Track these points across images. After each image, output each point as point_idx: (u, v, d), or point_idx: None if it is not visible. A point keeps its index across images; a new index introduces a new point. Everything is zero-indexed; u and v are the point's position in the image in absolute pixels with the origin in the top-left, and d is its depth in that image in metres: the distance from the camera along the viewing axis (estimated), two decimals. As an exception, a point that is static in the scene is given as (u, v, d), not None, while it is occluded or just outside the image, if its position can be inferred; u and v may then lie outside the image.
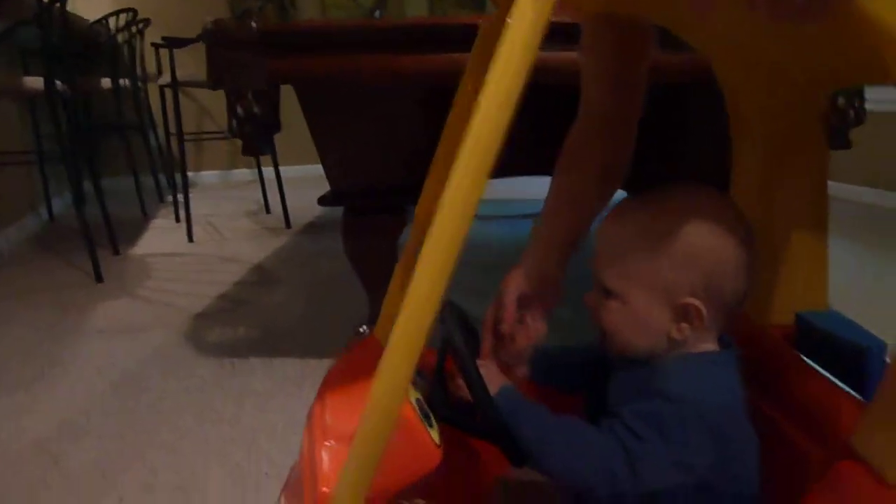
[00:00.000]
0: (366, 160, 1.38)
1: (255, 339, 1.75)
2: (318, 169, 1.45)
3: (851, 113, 1.23)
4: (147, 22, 3.33)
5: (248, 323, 1.86)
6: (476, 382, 0.59)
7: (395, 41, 1.20)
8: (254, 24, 1.13)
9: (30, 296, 2.13)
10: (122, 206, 3.13)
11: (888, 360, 0.64)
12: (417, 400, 0.58)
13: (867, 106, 1.33)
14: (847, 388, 0.64)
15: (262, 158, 3.18)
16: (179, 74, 2.73)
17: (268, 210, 3.22)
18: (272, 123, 1.23)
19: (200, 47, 1.28)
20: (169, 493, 1.12)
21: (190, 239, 2.74)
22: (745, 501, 0.62)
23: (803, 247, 0.75)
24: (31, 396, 1.46)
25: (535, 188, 1.10)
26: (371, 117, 1.34)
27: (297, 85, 1.29)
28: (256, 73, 1.15)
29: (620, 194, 0.75)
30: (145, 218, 3.17)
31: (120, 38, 3.19)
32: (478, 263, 1.42)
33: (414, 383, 0.62)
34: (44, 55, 2.17)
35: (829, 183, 0.75)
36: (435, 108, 0.63)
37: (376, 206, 1.39)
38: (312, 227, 2.93)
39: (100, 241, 2.40)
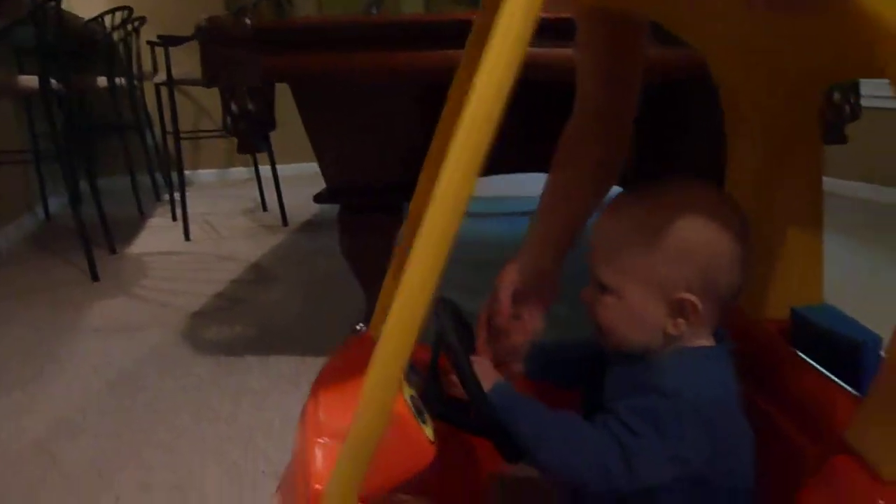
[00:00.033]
0: (362, 157, 1.38)
1: (252, 338, 1.75)
2: (315, 167, 1.45)
3: (847, 108, 1.23)
4: (143, 20, 3.32)
5: (244, 321, 1.86)
6: (469, 379, 0.59)
7: (391, 38, 1.20)
8: (248, 21, 1.13)
9: (26, 295, 2.12)
10: (119, 205, 3.12)
11: (883, 354, 0.64)
12: (412, 397, 0.58)
13: (863, 102, 1.33)
14: (842, 383, 0.64)
15: (259, 156, 3.17)
16: (175, 73, 2.73)
17: (265, 208, 3.22)
18: (267, 121, 1.22)
19: (196, 45, 1.27)
20: (166, 492, 1.11)
21: (187, 237, 2.73)
22: (740, 496, 0.62)
23: (798, 241, 0.75)
24: (28, 396, 1.46)
25: (530, 185, 1.10)
26: (367, 114, 1.34)
27: (292, 82, 1.28)
28: (251, 70, 1.14)
29: (616, 190, 0.75)
30: (142, 217, 3.16)
31: (116, 36, 3.18)
32: (473, 261, 1.42)
33: (408, 380, 0.62)
34: (38, 53, 2.16)
35: (825, 178, 0.75)
36: (431, 104, 0.63)
37: (373, 204, 1.38)
38: (310, 226, 2.93)
39: (96, 240, 2.39)
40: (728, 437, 0.61)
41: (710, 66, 0.76)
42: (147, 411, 1.38)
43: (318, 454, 0.52)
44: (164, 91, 2.89)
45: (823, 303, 0.77)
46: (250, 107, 1.21)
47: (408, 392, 0.58)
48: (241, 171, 4.01)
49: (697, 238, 0.61)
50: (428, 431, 0.57)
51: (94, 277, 2.21)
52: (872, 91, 1.42)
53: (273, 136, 2.91)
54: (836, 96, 1.23)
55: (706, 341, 0.65)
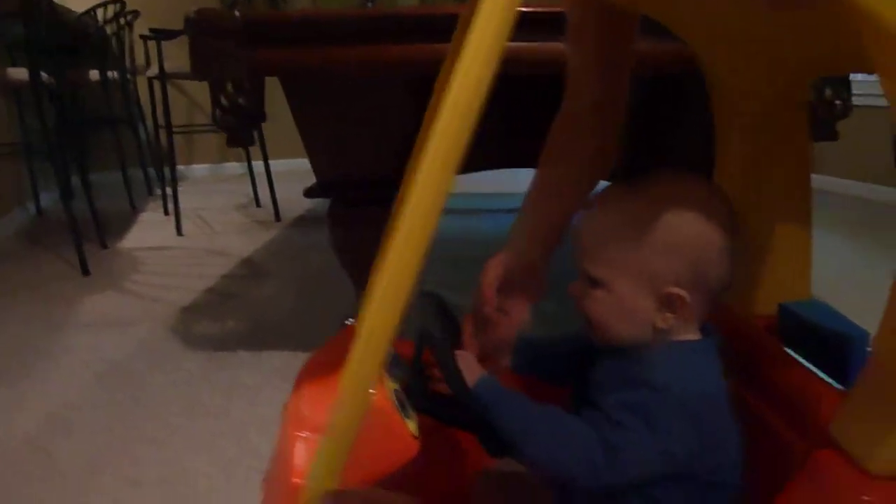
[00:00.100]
0: (353, 151, 1.37)
1: (244, 333, 1.74)
2: (309, 162, 1.44)
3: (838, 104, 1.22)
4: (136, 14, 3.29)
5: (236, 316, 1.85)
6: (453, 373, 0.59)
7: (384, 31, 1.19)
8: (237, 14, 1.12)
9: (17, 290, 2.11)
10: (111, 199, 3.11)
11: (870, 350, 0.63)
12: (395, 391, 0.58)
13: (855, 100, 1.32)
14: (828, 379, 0.64)
15: (252, 152, 3.16)
16: (168, 66, 2.71)
17: (258, 203, 3.21)
18: (256, 114, 1.21)
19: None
20: (157, 488, 1.11)
21: (179, 232, 2.73)
22: (728, 490, 0.62)
23: (786, 236, 0.74)
24: (18, 391, 1.45)
25: (516, 182, 1.10)
26: (359, 108, 1.33)
27: (283, 76, 1.27)
28: (240, 63, 1.14)
29: (602, 185, 0.74)
30: (134, 211, 3.15)
31: (108, 30, 3.16)
32: (458, 258, 1.42)
33: (392, 374, 0.61)
34: (28, 46, 2.15)
35: (817, 176, 0.75)
36: (424, 97, 0.63)
37: (364, 198, 1.38)
38: (302, 221, 2.92)
39: (88, 234, 2.38)
40: (715, 431, 0.60)
41: (699, 58, 0.76)
42: (138, 406, 1.38)
43: (299, 448, 0.52)
44: (156, 85, 2.87)
45: (812, 298, 0.77)
46: (240, 100, 1.20)
47: (391, 386, 0.58)
48: (234, 167, 3.99)
49: (687, 231, 0.61)
50: (411, 426, 0.56)
51: (85, 272, 2.20)
52: (865, 90, 1.41)
53: (266, 131, 2.92)
54: (828, 92, 1.23)
55: (693, 335, 0.64)
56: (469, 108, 0.40)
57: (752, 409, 0.65)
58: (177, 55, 2.73)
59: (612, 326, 0.64)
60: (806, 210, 0.75)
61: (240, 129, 1.23)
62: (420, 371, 0.65)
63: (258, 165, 3.07)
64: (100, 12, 3.10)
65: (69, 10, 3.04)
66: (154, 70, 2.81)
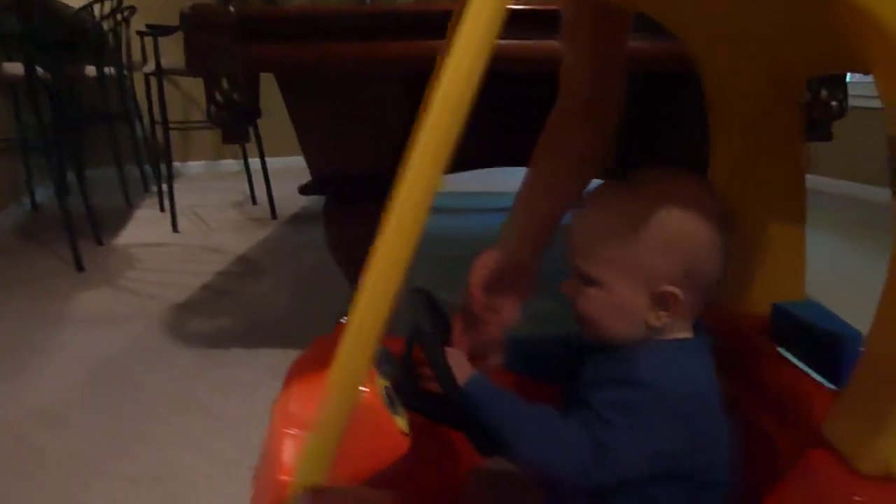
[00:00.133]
0: (348, 148, 1.37)
1: (239, 330, 1.74)
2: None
3: (834, 105, 1.22)
4: (133, 9, 3.28)
5: (231, 313, 1.85)
6: (443, 371, 0.59)
7: (381, 28, 1.18)
8: (232, 9, 1.11)
9: (11, 286, 2.10)
10: (107, 195, 3.11)
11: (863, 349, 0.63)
12: (385, 388, 0.57)
13: (852, 102, 1.32)
14: (820, 378, 0.64)
15: (248, 149, 3.15)
16: (164, 62, 2.70)
17: (254, 201, 3.20)
18: (251, 111, 1.21)
19: (185, 35, 1.25)
20: (149, 484, 1.11)
21: (175, 229, 2.72)
22: (718, 489, 0.62)
23: (781, 236, 0.74)
24: (12, 387, 1.45)
25: (513, 181, 1.10)
26: (354, 104, 1.33)
27: (277, 72, 1.27)
28: (235, 59, 1.13)
29: (594, 183, 0.74)
30: (130, 208, 3.14)
31: (105, 25, 3.15)
32: (449, 257, 1.41)
33: (383, 371, 0.61)
34: (24, 41, 2.14)
35: (815, 177, 0.75)
36: (420, 95, 0.62)
37: (359, 195, 1.37)
38: (298, 219, 2.92)
39: (83, 230, 2.37)
40: (707, 430, 0.60)
41: (695, 57, 0.75)
42: (131, 403, 1.37)
43: (287, 445, 0.52)
44: (153, 81, 2.86)
45: (806, 298, 0.77)
46: (235, 96, 1.19)
47: (381, 383, 0.57)
48: (230, 164, 3.99)
49: (681, 228, 0.61)
50: (401, 423, 0.56)
51: (80, 268, 2.19)
52: (860, 91, 1.42)
53: (263, 128, 2.92)
54: (824, 92, 1.23)
55: (686, 333, 0.64)
56: (459, 103, 0.40)
57: (743, 408, 0.65)
58: (173, 51, 2.72)
59: (605, 324, 0.64)
60: (800, 210, 0.74)
61: (235, 126, 1.23)
62: (410, 368, 0.64)
63: (255, 163, 3.06)
64: (97, 8, 3.09)
65: (66, 6, 3.03)
66: (151, 66, 2.80)
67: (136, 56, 3.43)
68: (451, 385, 0.59)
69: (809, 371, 0.66)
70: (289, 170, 3.00)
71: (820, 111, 1.22)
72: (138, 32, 3.05)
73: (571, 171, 0.76)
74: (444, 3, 1.17)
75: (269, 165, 3.00)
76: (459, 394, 0.59)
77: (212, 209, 3.13)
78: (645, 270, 0.61)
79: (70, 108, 2.95)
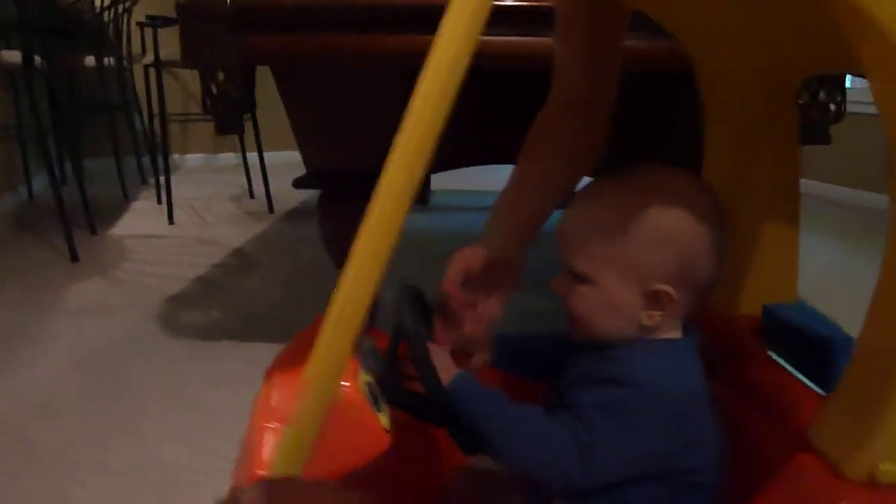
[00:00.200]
0: (344, 142, 1.36)
1: (231, 323, 1.73)
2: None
3: (832, 108, 1.22)
4: (134, 0, 3.27)
5: (224, 307, 1.84)
6: (427, 370, 0.58)
7: (380, 21, 1.17)
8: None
9: (5, 275, 2.09)
10: (105, 186, 3.10)
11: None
12: (367, 384, 0.57)
13: (852, 108, 1.32)
14: (808, 382, 0.63)
15: (247, 143, 3.14)
16: (164, 54, 2.69)
17: (251, 195, 3.19)
18: (246, 102, 1.20)
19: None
20: (134, 475, 1.10)
21: (171, 221, 2.71)
22: (705, 491, 0.61)
23: (773, 238, 0.74)
24: (3, 378, 1.43)
25: (502, 179, 1.09)
26: (350, 98, 1.32)
27: (273, 63, 1.26)
28: (230, 50, 1.12)
29: (585, 181, 0.73)
30: (127, 199, 3.12)
31: (106, 15, 3.14)
32: (441, 255, 1.40)
33: (367, 367, 0.60)
34: (21, 29, 2.13)
35: (810, 181, 0.74)
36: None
37: (354, 190, 1.36)
38: (296, 213, 2.91)
39: (79, 221, 2.37)
40: (700, 430, 0.60)
41: (690, 56, 0.75)
42: (120, 394, 1.36)
43: (265, 439, 0.51)
44: (152, 73, 2.85)
45: (798, 300, 0.76)
46: (230, 88, 1.18)
47: (364, 378, 0.57)
48: (229, 157, 3.98)
49: (674, 225, 0.60)
50: (383, 419, 0.56)
51: (74, 258, 2.18)
52: (858, 97, 1.41)
53: (261, 122, 2.91)
54: (822, 95, 1.22)
55: (675, 333, 0.63)
56: (441, 98, 0.39)
57: (730, 410, 0.65)
58: (172, 42, 2.69)
59: (596, 322, 0.63)
60: (793, 212, 0.74)
61: (229, 117, 1.22)
62: (395, 365, 0.63)
63: (254, 157, 3.05)
64: (97, -2, 3.08)
65: (65, -5, 3.02)
66: (150, 58, 2.79)
67: (137, 47, 3.42)
68: (434, 384, 0.58)
69: (798, 374, 0.65)
70: (287, 164, 2.99)
71: (818, 114, 1.22)
72: (138, 23, 3.04)
73: (560, 167, 0.75)
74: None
75: (267, 159, 2.99)
76: (443, 393, 0.58)
77: (209, 202, 3.12)
78: (638, 268, 0.60)
79: (68, 98, 2.94)
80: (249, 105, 1.23)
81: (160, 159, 2.95)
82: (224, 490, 1.07)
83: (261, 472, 0.47)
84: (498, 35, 1.05)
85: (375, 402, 0.56)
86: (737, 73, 0.71)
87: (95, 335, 1.63)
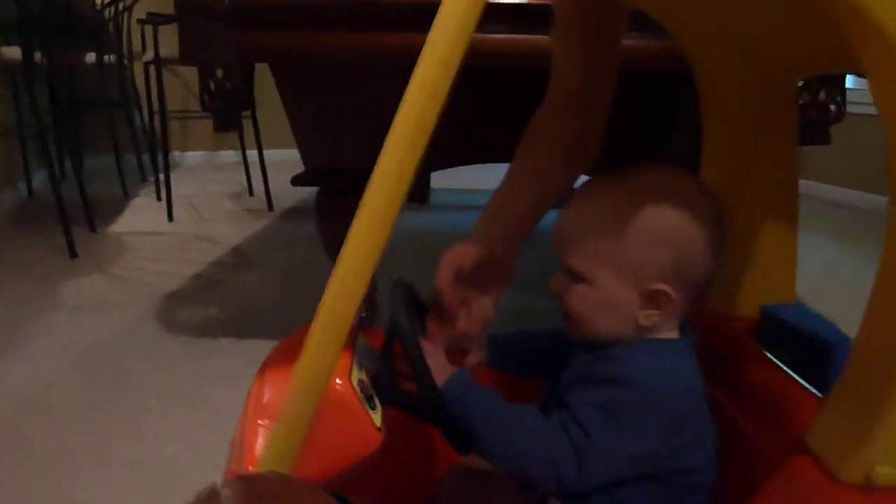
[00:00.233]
0: (342, 141, 1.35)
1: (227, 321, 1.73)
2: (300, 151, 1.42)
3: (832, 108, 1.21)
4: (136, -3, 3.27)
5: (221, 304, 1.84)
6: (420, 369, 0.57)
7: (379, 18, 1.17)
8: (226, -5, 1.10)
9: (2, 271, 2.09)
10: (105, 184, 3.09)
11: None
12: (360, 381, 0.56)
13: (854, 109, 1.31)
14: (805, 384, 0.62)
15: (247, 140, 3.14)
16: (164, 52, 2.68)
17: (251, 192, 3.19)
18: (244, 99, 1.20)
19: (183, 23, 1.24)
20: (128, 472, 1.09)
21: (170, 218, 2.70)
22: (702, 491, 0.61)
23: (771, 238, 0.73)
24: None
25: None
26: (348, 96, 1.31)
27: (272, 60, 1.25)
28: (228, 47, 1.12)
29: (582, 180, 0.72)
30: (126, 196, 3.12)
31: (108, 13, 3.13)
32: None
33: (361, 364, 0.60)
34: (21, 26, 2.12)
35: (816, 184, 0.74)
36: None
37: (352, 188, 1.35)
38: (295, 211, 2.90)
39: (79, 218, 2.36)
40: (694, 431, 0.59)
41: (689, 56, 0.74)
42: (118, 391, 1.36)
43: (256, 436, 0.50)
44: (153, 70, 2.84)
45: (797, 301, 0.76)
46: (228, 85, 1.18)
47: (357, 376, 0.56)
48: (229, 155, 3.97)
49: (671, 223, 0.59)
50: (376, 417, 0.55)
51: (73, 255, 2.18)
52: (858, 98, 1.41)
53: (262, 120, 2.90)
54: (822, 95, 1.21)
55: (672, 333, 0.63)
56: (433, 94, 0.39)
57: (726, 411, 0.64)
58: (173, 40, 2.69)
59: (592, 322, 0.62)
60: (792, 212, 0.73)
61: (227, 114, 1.22)
62: (388, 364, 0.63)
63: (254, 155, 3.05)
64: (99, -6, 3.07)
65: (66, -8, 3.02)
66: (150, 55, 2.78)
67: (137, 44, 3.42)
68: (428, 384, 0.57)
69: (795, 375, 0.65)
70: (287, 162, 2.98)
71: (818, 114, 1.21)
72: (138, 21, 3.03)
73: (556, 165, 0.74)
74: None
75: (268, 157, 2.99)
76: (437, 393, 0.58)
77: (208, 199, 3.12)
78: (634, 266, 0.60)
79: (68, 94, 2.93)
80: (248, 102, 1.22)
81: (160, 156, 2.95)
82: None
83: (251, 469, 0.47)
84: (499, 32, 1.05)
85: (369, 400, 0.55)
86: (735, 72, 0.71)
87: (93, 332, 1.63)
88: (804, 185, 0.74)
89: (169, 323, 1.69)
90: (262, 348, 1.52)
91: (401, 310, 0.59)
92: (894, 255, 0.46)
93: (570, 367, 0.65)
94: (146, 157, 3.45)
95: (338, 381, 0.53)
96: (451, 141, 1.46)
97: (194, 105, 3.79)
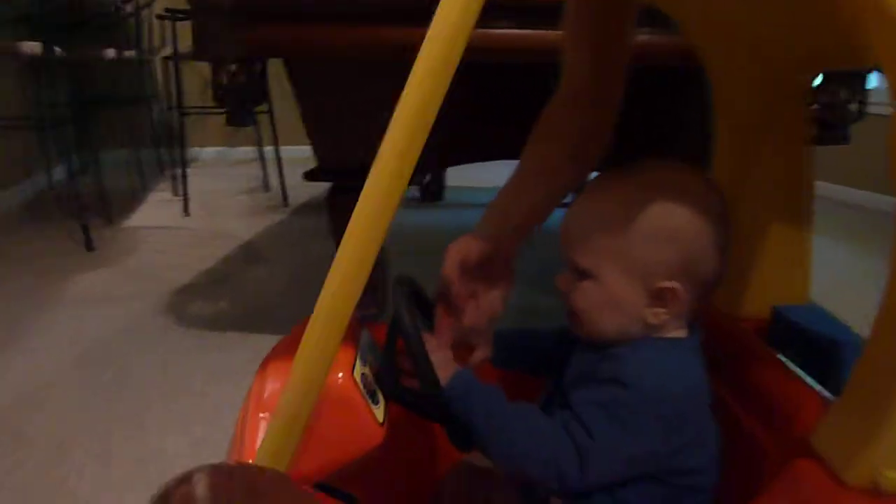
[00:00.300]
0: (353, 137, 1.35)
1: (237, 316, 1.74)
2: (316, 147, 1.42)
3: (852, 108, 1.19)
4: (156, -7, 3.29)
5: (230, 299, 1.85)
6: (422, 366, 0.57)
7: (392, 11, 1.16)
8: (237, -9, 1.10)
9: (19, 262, 2.12)
10: (124, 177, 3.13)
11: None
12: (363, 375, 0.56)
13: (877, 110, 1.28)
14: (814, 385, 0.61)
15: (264, 136, 3.15)
16: (182, 47, 2.70)
17: (267, 188, 3.21)
18: (256, 94, 1.20)
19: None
20: (131, 466, 1.10)
21: (186, 213, 2.73)
22: (704, 492, 0.60)
23: (782, 237, 0.72)
24: (1, 362, 1.45)
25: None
26: (359, 92, 1.31)
27: (282, 55, 1.25)
28: (234, 42, 1.12)
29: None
30: (144, 191, 3.15)
31: (128, 8, 3.16)
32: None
33: (364, 359, 0.59)
34: (40, 19, 2.15)
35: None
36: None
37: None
38: (310, 207, 2.91)
39: (97, 211, 2.39)
40: (696, 431, 0.58)
41: (698, 49, 0.73)
42: (120, 384, 1.37)
43: (256, 430, 0.50)
44: (171, 65, 2.87)
45: (810, 302, 0.75)
46: (240, 80, 1.18)
47: (359, 371, 0.56)
48: (246, 151, 3.99)
49: (678, 220, 0.59)
50: (378, 413, 0.55)
51: (89, 248, 2.20)
52: (884, 98, 1.37)
53: (279, 116, 2.91)
54: (843, 94, 1.19)
55: (680, 332, 0.62)
56: (432, 90, 0.39)
57: (730, 411, 0.63)
58: (190, 36, 2.72)
59: (599, 320, 0.61)
60: (803, 212, 0.72)
61: (239, 110, 1.22)
62: (391, 359, 0.62)
63: (271, 151, 3.06)
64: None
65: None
66: (168, 50, 2.80)
67: (158, 40, 3.45)
68: (430, 380, 0.57)
69: (803, 376, 0.64)
70: (304, 158, 2.99)
71: (837, 114, 1.19)
72: (157, 16, 3.06)
73: (564, 163, 0.74)
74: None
75: (285, 153, 3.00)
76: (439, 390, 0.57)
77: (224, 194, 3.14)
78: (641, 263, 0.59)
79: (88, 89, 2.96)
80: (260, 98, 1.22)
81: (177, 151, 2.97)
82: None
83: (251, 462, 0.47)
84: (512, 28, 1.04)
85: (371, 395, 0.55)
86: (741, 69, 0.70)
87: (103, 325, 1.64)
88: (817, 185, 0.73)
89: (178, 317, 1.70)
90: (271, 344, 1.53)
91: (403, 306, 0.59)
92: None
93: (573, 365, 0.65)
94: (164, 152, 3.48)
95: (339, 374, 0.52)
96: (466, 137, 1.45)
97: (212, 101, 3.82)
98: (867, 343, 0.50)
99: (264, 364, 0.60)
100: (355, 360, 0.57)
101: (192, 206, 2.77)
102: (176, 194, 2.98)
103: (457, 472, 0.71)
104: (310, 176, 1.40)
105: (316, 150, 1.41)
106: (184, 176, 2.74)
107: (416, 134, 0.39)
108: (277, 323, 1.64)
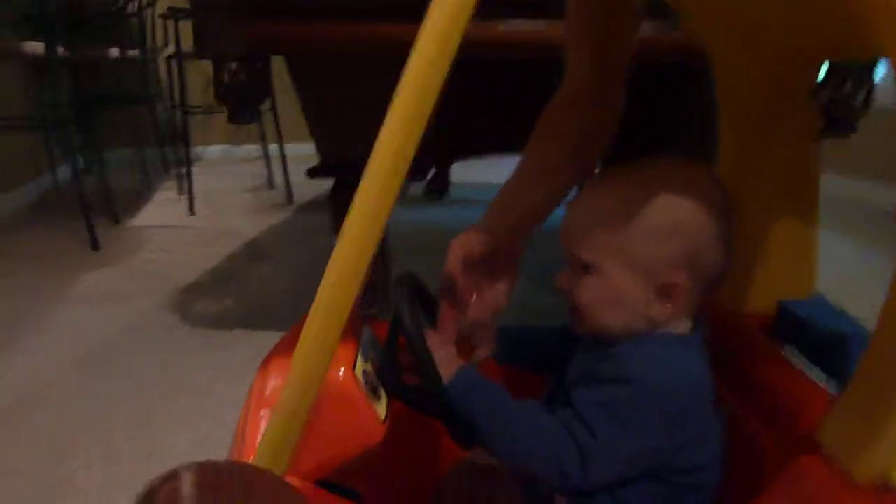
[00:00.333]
0: (355, 133, 1.34)
1: (241, 313, 1.74)
2: (319, 144, 1.42)
3: (858, 100, 1.17)
4: (158, -8, 3.29)
5: (235, 297, 1.85)
6: (424, 364, 0.56)
7: (393, 7, 1.16)
8: (238, -12, 1.10)
9: (24, 261, 2.13)
10: (129, 176, 3.13)
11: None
12: (364, 372, 0.55)
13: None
14: (817, 381, 0.61)
15: (268, 134, 3.15)
16: (185, 46, 2.70)
17: (271, 185, 3.21)
18: (258, 92, 1.19)
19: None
20: (136, 464, 1.10)
21: (191, 211, 2.73)
22: (707, 490, 0.60)
23: (787, 232, 0.71)
24: (4, 361, 1.46)
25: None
26: (361, 88, 1.30)
27: (283, 52, 1.25)
28: (234, 40, 1.11)
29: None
30: (150, 190, 3.16)
31: (130, 7, 3.16)
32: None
33: (366, 355, 0.59)
34: (43, 19, 2.15)
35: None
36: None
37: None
38: (314, 204, 2.91)
39: (103, 210, 2.39)
40: (698, 427, 0.58)
41: (705, 42, 0.72)
42: (125, 382, 1.37)
43: (257, 426, 0.50)
44: (174, 64, 2.87)
45: (816, 295, 0.74)
46: (241, 78, 1.18)
47: (360, 367, 0.55)
48: (250, 149, 3.99)
49: (682, 216, 0.58)
50: (380, 409, 0.54)
51: (95, 247, 2.21)
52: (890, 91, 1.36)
53: (283, 114, 2.91)
54: (848, 85, 1.18)
55: (684, 327, 0.61)
56: (427, 86, 0.38)
57: (733, 408, 0.63)
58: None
59: (600, 315, 0.61)
60: (808, 206, 0.71)
61: (241, 107, 1.22)
62: (393, 356, 0.62)
63: (275, 148, 3.06)
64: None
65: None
66: (171, 49, 2.81)
67: (160, 39, 3.45)
68: (432, 376, 0.56)
69: (807, 373, 0.63)
70: (309, 155, 2.99)
71: (841, 109, 1.17)
72: (160, 15, 3.06)
73: (565, 162, 0.73)
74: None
75: (290, 151, 3.00)
76: (440, 386, 0.57)
77: (229, 193, 3.14)
78: (645, 258, 0.58)
79: (92, 88, 2.97)
80: (262, 95, 1.22)
81: (182, 150, 2.98)
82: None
83: (251, 459, 0.47)
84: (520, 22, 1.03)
85: (373, 391, 0.55)
86: (747, 62, 0.69)
87: (108, 323, 1.65)
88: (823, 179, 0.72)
89: (183, 315, 1.70)
90: (276, 341, 1.54)
91: (405, 303, 0.58)
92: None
93: (574, 364, 0.64)
94: (168, 151, 3.49)
95: (340, 371, 0.52)
96: (472, 131, 1.44)
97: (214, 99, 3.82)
98: (873, 335, 0.49)
99: (266, 361, 0.60)
100: (356, 356, 0.57)
101: (198, 204, 2.77)
102: (181, 193, 2.99)
103: (459, 469, 0.70)
104: (313, 172, 1.40)
105: (318, 146, 1.41)
106: (188, 174, 2.75)
107: (413, 128, 0.39)
108: (282, 320, 1.64)
